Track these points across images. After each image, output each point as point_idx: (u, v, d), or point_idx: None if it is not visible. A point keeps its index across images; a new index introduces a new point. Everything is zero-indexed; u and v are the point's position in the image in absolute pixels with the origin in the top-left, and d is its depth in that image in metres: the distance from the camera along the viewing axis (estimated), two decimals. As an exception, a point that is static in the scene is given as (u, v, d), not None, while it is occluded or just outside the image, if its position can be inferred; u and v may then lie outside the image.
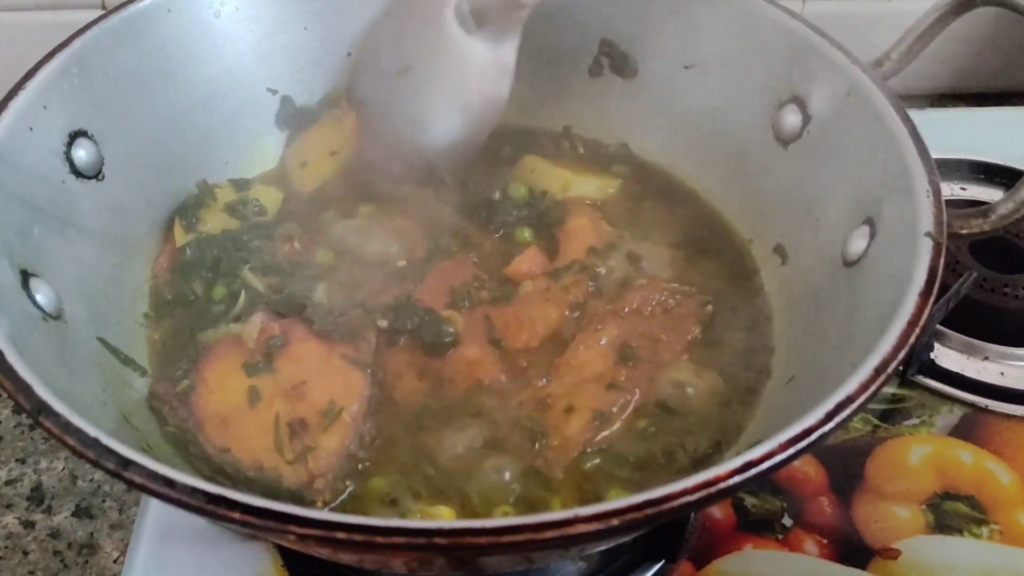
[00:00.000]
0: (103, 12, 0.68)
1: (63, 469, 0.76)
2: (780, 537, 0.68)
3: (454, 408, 0.62)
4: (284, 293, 0.66)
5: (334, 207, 0.74)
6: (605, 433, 0.62)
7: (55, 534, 0.73)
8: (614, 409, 0.62)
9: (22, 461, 0.77)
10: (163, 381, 0.61)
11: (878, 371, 0.48)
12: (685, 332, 0.67)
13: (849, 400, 0.46)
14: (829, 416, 0.46)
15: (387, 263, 0.70)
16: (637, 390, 0.64)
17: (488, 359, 0.65)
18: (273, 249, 0.70)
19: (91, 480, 0.75)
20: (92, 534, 0.73)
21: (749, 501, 0.69)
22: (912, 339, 0.50)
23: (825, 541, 0.68)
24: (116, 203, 0.66)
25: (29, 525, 0.73)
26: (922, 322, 0.51)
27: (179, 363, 0.62)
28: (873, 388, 0.47)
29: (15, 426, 0.79)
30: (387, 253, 0.71)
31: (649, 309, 0.68)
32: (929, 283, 0.53)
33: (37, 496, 0.75)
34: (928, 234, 0.55)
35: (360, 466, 0.59)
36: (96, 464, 0.42)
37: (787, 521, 0.69)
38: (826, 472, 0.71)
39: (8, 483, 0.75)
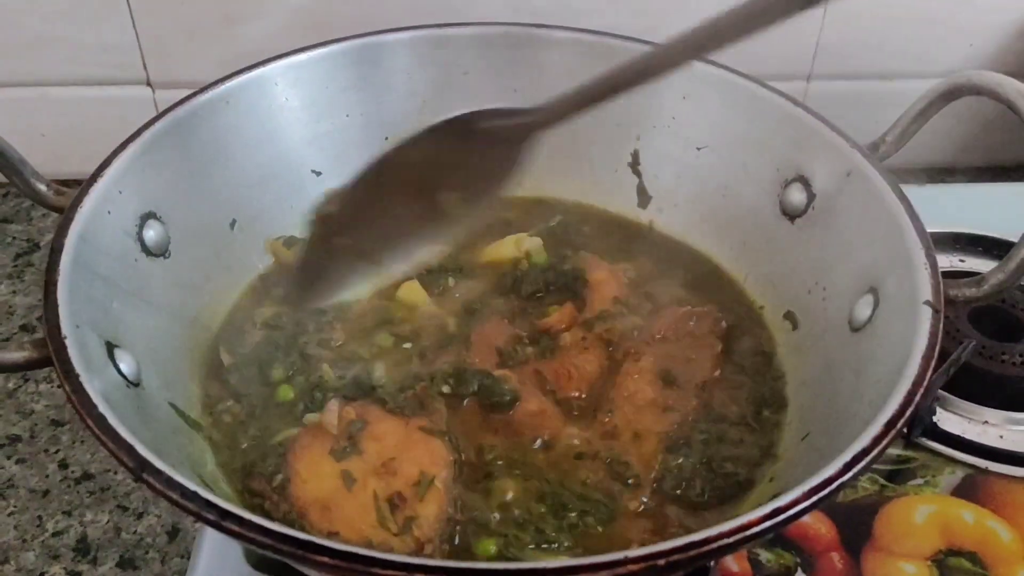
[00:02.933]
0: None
1: (107, 521, 0.78)
2: (793, 591, 0.70)
3: (533, 455, 0.66)
4: (348, 377, 0.69)
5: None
6: (674, 452, 0.66)
7: (100, 584, 0.74)
8: (675, 428, 0.67)
9: (68, 513, 0.79)
10: (257, 477, 0.63)
11: (888, 427, 0.52)
12: (710, 348, 0.72)
13: (864, 452, 0.51)
14: (847, 467, 0.50)
15: (431, 336, 0.74)
16: (689, 408, 0.68)
17: (549, 409, 0.69)
18: (330, 335, 0.73)
19: (134, 532, 0.78)
20: (136, 584, 0.74)
21: (764, 556, 0.71)
22: (917, 398, 0.54)
23: (837, 595, 0.70)
24: (180, 279, 0.71)
25: (75, 575, 0.75)
26: (926, 383, 0.55)
27: (267, 459, 0.64)
28: (884, 442, 0.52)
29: (61, 480, 0.81)
30: (430, 327, 0.74)
31: (674, 333, 0.73)
32: (931, 347, 0.57)
33: (83, 547, 0.76)
34: (927, 302, 0.60)
35: (460, 527, 0.61)
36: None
37: (800, 576, 0.71)
38: (836, 529, 0.73)
39: (55, 534, 0.77)
